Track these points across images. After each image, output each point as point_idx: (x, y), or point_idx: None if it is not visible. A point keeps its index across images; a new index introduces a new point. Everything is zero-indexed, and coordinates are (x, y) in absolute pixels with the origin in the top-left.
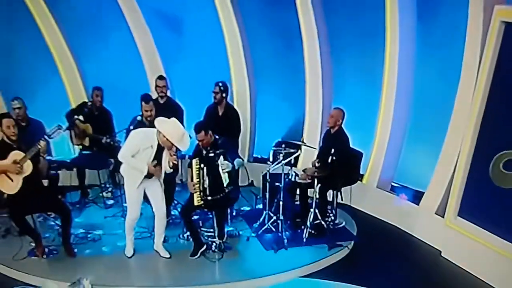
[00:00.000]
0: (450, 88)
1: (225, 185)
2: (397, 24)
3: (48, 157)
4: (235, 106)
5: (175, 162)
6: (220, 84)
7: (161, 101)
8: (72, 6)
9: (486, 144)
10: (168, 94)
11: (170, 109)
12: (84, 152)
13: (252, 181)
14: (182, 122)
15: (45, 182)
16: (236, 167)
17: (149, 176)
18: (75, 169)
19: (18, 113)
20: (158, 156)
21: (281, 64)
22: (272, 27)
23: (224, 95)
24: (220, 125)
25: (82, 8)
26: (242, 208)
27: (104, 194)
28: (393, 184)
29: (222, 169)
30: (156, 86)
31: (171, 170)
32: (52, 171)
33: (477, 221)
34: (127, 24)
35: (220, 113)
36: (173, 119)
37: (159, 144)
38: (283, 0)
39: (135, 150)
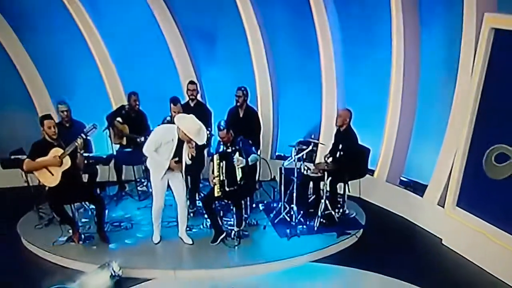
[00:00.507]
0: (449, 89)
1: (238, 179)
2: (402, 32)
3: (87, 154)
4: (259, 108)
5: (194, 154)
6: (242, 89)
7: (192, 104)
8: (117, 21)
9: (479, 140)
10: (198, 97)
11: (199, 111)
12: (121, 150)
13: (274, 176)
14: (210, 123)
15: (85, 177)
16: (250, 163)
17: (171, 168)
18: (112, 166)
19: (63, 115)
20: (178, 150)
21: (301, 70)
22: (293, 37)
23: (245, 98)
24: (241, 125)
25: (124, 23)
26: (262, 200)
27: (139, 188)
28: (401, 178)
29: (237, 165)
30: (187, 90)
31: (190, 162)
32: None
33: (474, 211)
34: (164, 36)
35: (241, 115)
36: (191, 115)
37: (179, 139)
38: (302, 12)
39: (158, 144)
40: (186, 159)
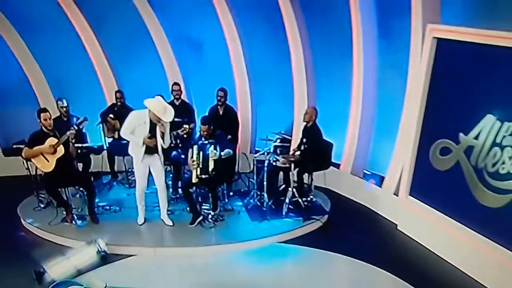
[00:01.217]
0: (402, 91)
1: (210, 169)
2: (361, 43)
3: (81, 144)
4: (239, 108)
5: (163, 131)
6: (223, 89)
7: (177, 103)
8: (114, 29)
9: (426, 135)
10: (183, 97)
11: (183, 109)
12: (114, 142)
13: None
14: (194, 120)
15: (80, 166)
16: (223, 157)
17: (149, 151)
18: (106, 157)
19: (62, 111)
20: (152, 132)
21: (275, 74)
22: (268, 45)
23: (225, 98)
24: (221, 122)
25: (120, 31)
26: (239, 189)
27: (129, 177)
28: (365, 171)
29: (210, 156)
30: (172, 90)
31: (166, 146)
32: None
33: (424, 199)
34: (153, 42)
35: (221, 112)
36: (158, 97)
37: (151, 121)
38: (276, 23)
39: (132, 127)
40: (160, 141)
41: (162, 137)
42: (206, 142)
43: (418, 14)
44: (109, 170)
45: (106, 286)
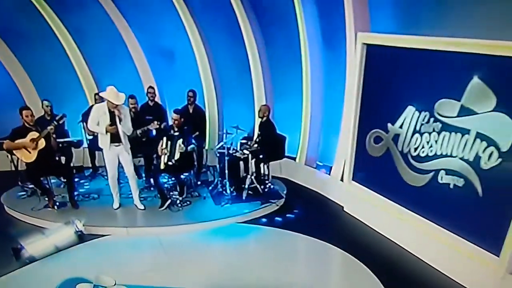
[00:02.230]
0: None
1: (175, 158)
2: (307, 52)
3: (64, 139)
4: (207, 110)
5: (120, 117)
6: (193, 90)
7: (151, 104)
8: (95, 40)
9: (363, 127)
10: (156, 99)
11: (156, 109)
12: (94, 139)
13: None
14: (165, 119)
15: (63, 159)
16: (189, 150)
17: (115, 140)
18: (87, 152)
19: (46, 110)
20: (112, 120)
21: (238, 77)
22: (231, 52)
23: (195, 98)
24: (191, 119)
25: (100, 42)
26: (206, 179)
27: None
28: (317, 163)
29: (178, 149)
30: (147, 93)
31: (129, 132)
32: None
33: (363, 183)
34: (129, 52)
35: (191, 111)
36: (110, 86)
37: (110, 110)
38: (236, 36)
39: (96, 119)
40: (120, 127)
41: (121, 123)
42: (176, 133)
43: (351, 25)
44: (90, 164)
45: (115, 284)
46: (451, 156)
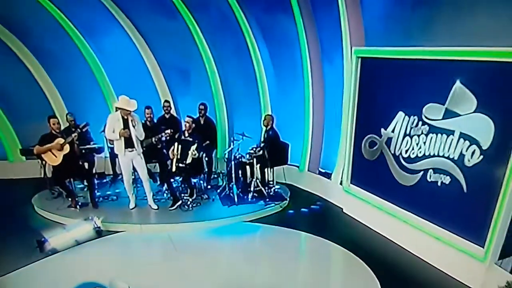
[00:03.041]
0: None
1: (186, 161)
2: (309, 68)
3: (85, 146)
4: (218, 121)
5: (134, 124)
6: (204, 103)
7: (167, 116)
8: (117, 60)
9: (359, 133)
10: (172, 112)
11: (172, 121)
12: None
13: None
14: (180, 130)
15: (86, 165)
16: (199, 156)
17: (129, 146)
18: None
19: (70, 122)
20: (125, 126)
21: (245, 93)
22: (239, 71)
23: (205, 111)
24: (202, 130)
25: (122, 61)
26: (215, 184)
27: None
28: (320, 169)
29: (191, 154)
30: (163, 106)
31: (142, 137)
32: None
33: (361, 185)
34: (147, 68)
35: (202, 122)
36: (121, 95)
37: (123, 117)
38: (244, 54)
39: (111, 126)
40: (133, 131)
41: (134, 127)
42: (188, 139)
43: (347, 41)
44: (111, 171)
45: None
46: (438, 155)
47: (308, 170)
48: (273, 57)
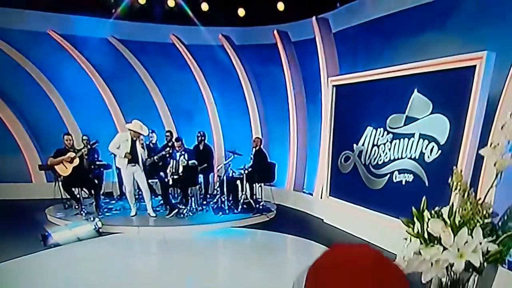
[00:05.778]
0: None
1: (180, 171)
2: (293, 100)
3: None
4: (215, 147)
5: (142, 143)
6: (201, 132)
7: (201, 147)
8: (131, 99)
9: (335, 151)
10: (173, 140)
11: (205, 151)
12: None
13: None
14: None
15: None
16: (190, 164)
17: (131, 162)
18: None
19: (83, 140)
20: (133, 146)
21: (239, 123)
22: (230, 104)
23: (203, 138)
24: (201, 155)
25: (135, 97)
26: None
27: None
28: (303, 190)
29: (180, 163)
30: (166, 137)
31: (146, 156)
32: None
33: (338, 196)
34: (158, 112)
35: (201, 148)
36: (134, 120)
37: (132, 139)
38: (239, 95)
39: (117, 143)
40: (140, 150)
41: (143, 147)
42: (178, 153)
43: (324, 73)
44: (118, 191)
45: None
46: (401, 158)
47: (294, 190)
48: (262, 90)
